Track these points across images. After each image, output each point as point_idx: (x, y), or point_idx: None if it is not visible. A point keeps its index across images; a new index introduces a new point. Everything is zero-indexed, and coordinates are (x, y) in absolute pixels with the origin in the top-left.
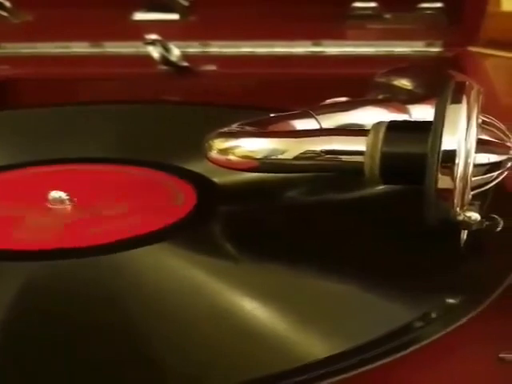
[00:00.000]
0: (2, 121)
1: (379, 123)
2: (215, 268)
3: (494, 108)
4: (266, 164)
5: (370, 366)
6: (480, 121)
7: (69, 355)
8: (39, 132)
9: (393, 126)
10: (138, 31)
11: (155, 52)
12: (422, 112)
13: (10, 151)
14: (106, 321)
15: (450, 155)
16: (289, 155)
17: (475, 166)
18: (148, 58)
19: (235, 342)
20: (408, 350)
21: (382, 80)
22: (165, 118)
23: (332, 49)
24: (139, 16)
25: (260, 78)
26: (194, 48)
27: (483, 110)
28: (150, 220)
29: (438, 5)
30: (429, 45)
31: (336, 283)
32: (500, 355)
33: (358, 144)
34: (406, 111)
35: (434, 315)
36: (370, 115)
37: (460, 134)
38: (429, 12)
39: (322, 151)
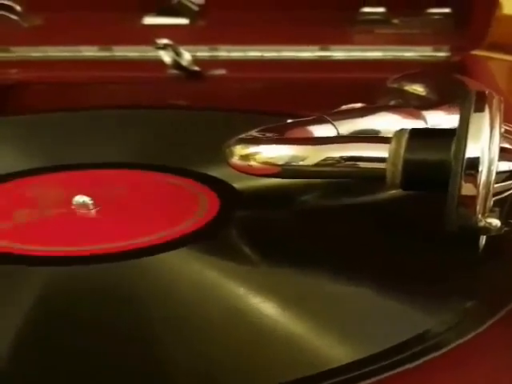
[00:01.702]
0: (13, 125)
1: (401, 130)
2: (235, 273)
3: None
4: (286, 170)
5: (390, 373)
6: (502, 130)
7: (88, 359)
8: (53, 137)
9: (415, 133)
10: (147, 35)
11: (167, 56)
12: (437, 118)
13: (25, 156)
14: (124, 325)
15: (474, 163)
16: (309, 162)
17: (497, 173)
18: (157, 62)
19: (254, 347)
20: (428, 357)
21: (394, 85)
22: (177, 122)
23: (340, 53)
24: (149, 20)
25: (268, 82)
26: (203, 52)
27: None
28: (173, 225)
29: (446, 10)
30: (436, 50)
31: (354, 288)
32: None
33: (379, 151)
34: (421, 117)
35: (454, 321)
36: (385, 121)
37: (483, 142)
38: (436, 17)
39: (342, 158)
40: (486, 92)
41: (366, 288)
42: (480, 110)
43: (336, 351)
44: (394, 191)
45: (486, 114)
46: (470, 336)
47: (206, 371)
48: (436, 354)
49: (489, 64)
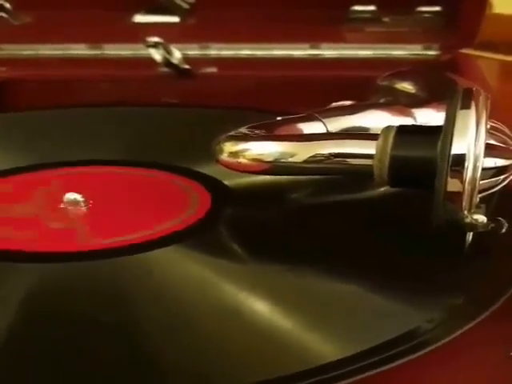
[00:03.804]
0: (2, 123)
1: (388, 127)
2: (226, 270)
3: (493, 110)
4: (276, 167)
5: (379, 370)
6: (488, 126)
7: (78, 356)
8: (43, 134)
9: (402, 130)
10: (137, 33)
11: (157, 54)
12: (426, 115)
13: (14, 153)
14: (116, 322)
15: (460, 159)
16: (298, 158)
17: (483, 169)
18: (147, 60)
19: (244, 344)
20: (418, 354)
21: (385, 83)
22: (168, 120)
23: (330, 52)
24: (139, 18)
25: (259, 80)
26: (194, 50)
27: None
28: (164, 222)
29: (436, 8)
30: (426, 48)
31: (343, 285)
32: (511, 354)
33: (367, 147)
34: (410, 115)
35: (443, 318)
36: (375, 118)
37: (469, 139)
38: (426, 15)
39: (331, 154)
40: (473, 89)
41: (355, 285)
42: (466, 106)
43: (324, 348)
44: (383, 188)
45: (472, 110)
46: (458, 333)
47: (194, 367)
48: (425, 351)
49: (480, 63)
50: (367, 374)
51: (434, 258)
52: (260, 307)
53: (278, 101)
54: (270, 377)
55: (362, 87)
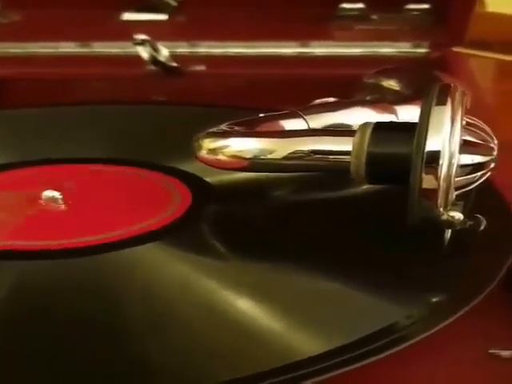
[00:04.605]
0: None
1: (366, 124)
2: (208, 267)
3: (479, 108)
4: (255, 164)
5: (357, 365)
6: (464, 122)
7: (60, 355)
8: (29, 132)
9: (379, 126)
10: (126, 31)
11: (144, 52)
12: (409, 112)
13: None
14: (97, 320)
15: (434, 156)
16: (277, 155)
17: (459, 166)
18: (136, 58)
19: (226, 341)
20: (395, 349)
21: (371, 81)
22: (154, 118)
23: (319, 49)
24: (127, 16)
25: (248, 78)
26: (183, 48)
27: (468, 111)
28: (145, 219)
29: (425, 6)
30: (415, 46)
31: (324, 282)
32: (489, 351)
33: (346, 144)
34: (393, 112)
35: (422, 313)
36: (357, 115)
37: (444, 135)
38: (415, 13)
39: (310, 151)
40: (451, 85)
41: (336, 282)
42: (442, 103)
43: (304, 343)
44: (367, 186)
45: (448, 107)
46: (437, 329)
47: (178, 364)
48: (402, 347)
49: (474, 62)
50: (344, 369)
51: (413, 255)
52: (240, 303)
53: (267, 99)
54: (250, 372)
55: (351, 85)
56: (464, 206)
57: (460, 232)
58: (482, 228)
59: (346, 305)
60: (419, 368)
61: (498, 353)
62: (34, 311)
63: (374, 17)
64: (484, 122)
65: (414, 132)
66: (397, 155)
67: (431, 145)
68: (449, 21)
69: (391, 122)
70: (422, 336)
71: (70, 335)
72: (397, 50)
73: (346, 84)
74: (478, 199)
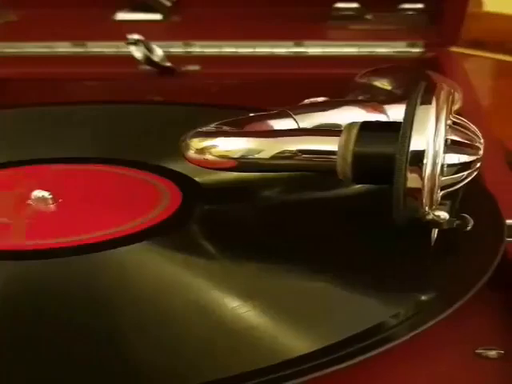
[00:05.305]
0: None
1: (352, 124)
2: (197, 266)
3: (473, 108)
4: (243, 163)
5: (343, 365)
6: (450, 122)
7: (50, 355)
8: (18, 132)
9: (365, 126)
10: (120, 31)
11: (138, 52)
12: (399, 112)
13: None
14: (87, 319)
15: (419, 155)
16: (265, 155)
17: (446, 166)
18: (130, 58)
19: (215, 340)
20: (381, 349)
21: (363, 80)
22: (147, 117)
23: (314, 49)
24: (122, 16)
25: (242, 78)
26: (177, 48)
27: (462, 111)
28: (135, 219)
29: (419, 6)
30: (410, 45)
31: (312, 281)
32: (476, 351)
33: (332, 144)
34: (382, 111)
35: (408, 314)
36: (347, 115)
37: (428, 135)
38: (410, 13)
39: (297, 151)
40: (436, 84)
41: (323, 281)
42: (426, 102)
43: (292, 343)
44: (355, 186)
45: (432, 106)
46: (423, 328)
47: (166, 363)
48: (388, 346)
49: (471, 61)
50: (331, 369)
51: (401, 255)
52: (228, 303)
53: (261, 98)
54: (238, 372)
55: (345, 84)
56: (451, 205)
57: (447, 232)
58: (469, 227)
59: (333, 305)
60: (406, 368)
61: (485, 353)
62: (23, 311)
63: (369, 16)
64: (478, 121)
65: (399, 132)
66: (382, 155)
67: (415, 144)
68: (443, 20)
69: (377, 122)
70: (409, 336)
71: (59, 334)
72: (391, 49)
73: (341, 83)
74: (465, 198)
